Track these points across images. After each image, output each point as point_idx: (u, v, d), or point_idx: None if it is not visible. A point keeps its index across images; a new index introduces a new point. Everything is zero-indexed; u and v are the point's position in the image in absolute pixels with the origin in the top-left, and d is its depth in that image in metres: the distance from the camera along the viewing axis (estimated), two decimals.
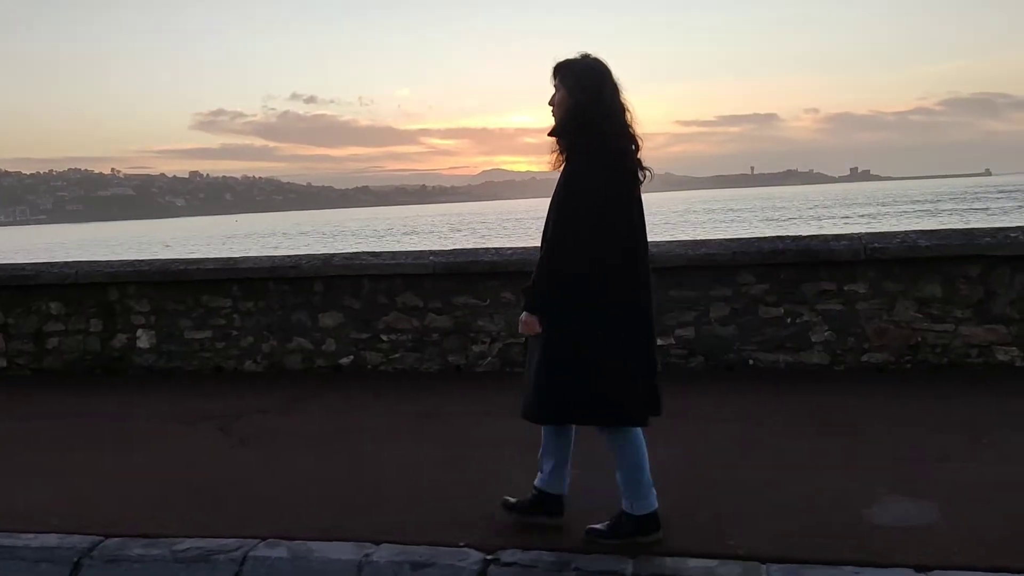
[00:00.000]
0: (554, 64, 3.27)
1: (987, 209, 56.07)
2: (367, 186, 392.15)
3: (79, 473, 4.43)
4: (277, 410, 5.75)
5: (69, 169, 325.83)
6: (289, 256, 7.34)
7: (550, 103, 3.28)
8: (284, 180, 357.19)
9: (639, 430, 3.20)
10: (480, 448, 4.58)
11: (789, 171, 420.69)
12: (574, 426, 3.34)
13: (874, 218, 53.61)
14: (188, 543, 3.25)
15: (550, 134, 3.26)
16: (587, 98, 3.16)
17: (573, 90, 3.19)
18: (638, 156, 3.21)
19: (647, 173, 3.22)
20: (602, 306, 3.10)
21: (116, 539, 3.33)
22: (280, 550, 3.16)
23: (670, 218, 64.45)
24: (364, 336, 6.81)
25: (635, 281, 3.15)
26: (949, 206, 62.79)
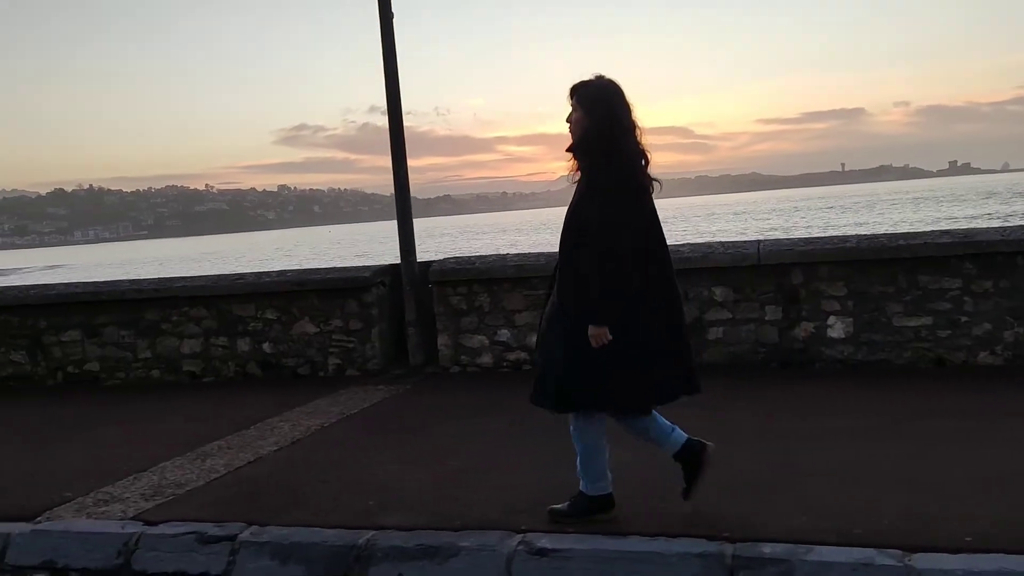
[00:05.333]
0: (571, 85, 3.43)
1: None
2: (448, 195, 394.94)
3: None
4: None
5: (166, 186, 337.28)
6: None
7: (567, 120, 3.46)
8: (368, 191, 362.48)
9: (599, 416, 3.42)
10: None
11: (882, 167, 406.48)
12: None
13: None
14: None
15: (568, 150, 3.46)
16: (604, 119, 3.33)
17: (591, 111, 3.37)
18: (648, 170, 3.40)
19: (656, 184, 3.42)
20: (638, 304, 3.30)
21: None
22: None
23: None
24: None
25: (659, 280, 3.36)
26: None
